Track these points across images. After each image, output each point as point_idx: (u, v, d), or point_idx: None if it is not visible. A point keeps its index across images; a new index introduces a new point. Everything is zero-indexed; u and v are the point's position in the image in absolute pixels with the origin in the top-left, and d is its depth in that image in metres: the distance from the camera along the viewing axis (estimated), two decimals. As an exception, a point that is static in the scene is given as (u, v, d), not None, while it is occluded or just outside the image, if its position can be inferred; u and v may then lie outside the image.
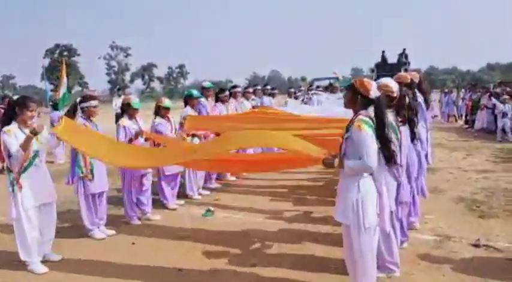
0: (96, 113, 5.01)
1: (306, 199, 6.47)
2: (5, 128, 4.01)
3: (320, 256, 4.33)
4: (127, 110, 5.49)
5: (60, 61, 11.94)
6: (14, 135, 3.98)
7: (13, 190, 4.08)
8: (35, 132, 3.97)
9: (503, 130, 12.29)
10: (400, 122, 3.66)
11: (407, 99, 3.85)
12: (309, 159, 3.57)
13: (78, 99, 5.05)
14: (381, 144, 2.99)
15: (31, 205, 4.10)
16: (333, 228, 5.02)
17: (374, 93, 3.04)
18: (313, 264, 4.15)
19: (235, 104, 8.31)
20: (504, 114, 12.07)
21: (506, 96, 12.29)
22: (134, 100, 5.58)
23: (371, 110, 3.04)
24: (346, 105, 3.25)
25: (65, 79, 10.49)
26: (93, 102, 4.96)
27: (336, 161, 3.11)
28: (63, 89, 10.60)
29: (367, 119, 3.01)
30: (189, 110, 6.62)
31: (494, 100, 12.41)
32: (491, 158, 9.55)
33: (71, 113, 4.90)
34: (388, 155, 3.01)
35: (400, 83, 4.83)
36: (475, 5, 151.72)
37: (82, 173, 4.83)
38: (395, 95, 3.61)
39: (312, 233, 5.03)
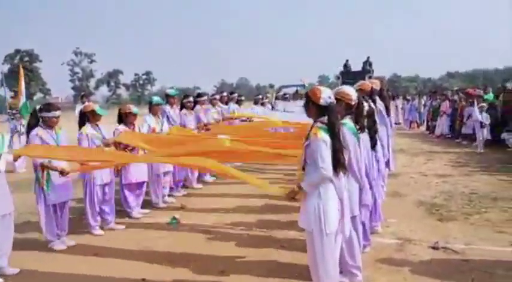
0: (56, 122, 4.81)
1: (273, 205, 6.50)
2: None
3: (286, 262, 4.36)
4: (90, 117, 5.36)
5: (18, 67, 11.44)
6: None
7: None
8: None
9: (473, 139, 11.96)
10: (358, 129, 3.75)
11: (366, 107, 3.96)
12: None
13: (38, 107, 4.88)
14: (333, 151, 3.05)
15: None
16: (299, 234, 5.07)
17: (324, 101, 3.09)
18: (279, 270, 4.17)
19: (202, 112, 8.28)
20: (482, 124, 11.29)
21: (484, 104, 11.59)
22: (98, 107, 5.47)
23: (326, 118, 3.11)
24: (306, 114, 3.31)
25: (23, 86, 10.13)
26: (55, 113, 4.77)
27: (295, 187, 3.20)
28: (23, 96, 10.24)
29: (324, 125, 3.07)
30: (150, 118, 6.51)
31: (473, 109, 11.51)
32: (450, 162, 9.93)
33: (33, 122, 4.78)
34: (335, 163, 3.06)
35: (361, 90, 4.99)
36: (437, 16, 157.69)
37: (39, 183, 4.68)
38: (353, 102, 3.70)
39: (279, 239, 5.06)
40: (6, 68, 59.99)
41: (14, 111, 11.11)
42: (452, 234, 4.99)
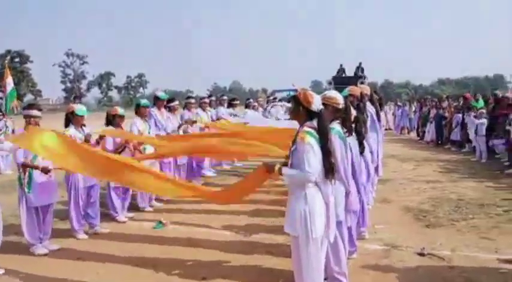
0: (37, 123, 4.73)
1: (262, 210, 6.46)
2: None
3: (270, 267, 4.32)
4: (72, 118, 5.29)
5: (4, 65, 11.27)
6: None
7: None
8: None
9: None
10: (346, 132, 3.74)
11: (353, 111, 3.95)
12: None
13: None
14: (323, 156, 3.03)
15: None
16: (287, 239, 5.02)
17: (316, 106, 3.08)
18: (263, 276, 4.14)
19: (190, 115, 8.22)
20: (478, 131, 10.90)
21: (483, 111, 11.24)
22: (77, 107, 5.39)
23: (315, 122, 3.08)
24: (291, 117, 3.28)
25: (9, 80, 9.89)
26: (33, 112, 4.72)
27: (277, 166, 3.15)
28: (9, 96, 10.04)
29: (311, 130, 3.05)
30: (137, 120, 6.44)
31: (469, 116, 11.40)
32: (438, 168, 9.97)
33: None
34: (328, 167, 3.05)
35: (351, 95, 4.99)
36: (427, 23, 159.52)
37: (21, 184, 4.59)
38: (340, 106, 3.70)
39: (265, 244, 5.02)
40: (-4, 68, 59.46)
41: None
42: (439, 241, 4.98)
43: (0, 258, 4.43)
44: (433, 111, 14.80)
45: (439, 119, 14.24)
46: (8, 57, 53.00)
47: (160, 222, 5.82)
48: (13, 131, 9.91)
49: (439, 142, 14.34)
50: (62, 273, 4.28)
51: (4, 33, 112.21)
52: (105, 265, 4.48)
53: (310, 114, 3.10)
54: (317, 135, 3.04)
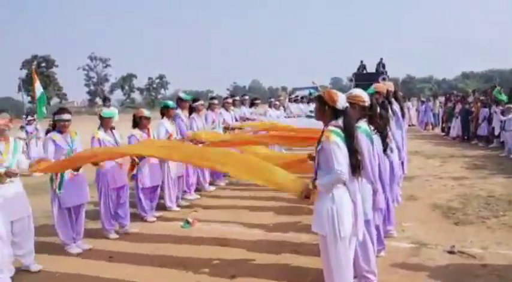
0: (67, 126, 4.87)
1: (288, 208, 6.48)
2: None
3: (298, 266, 4.35)
4: (101, 122, 5.42)
5: (31, 70, 11.49)
6: None
7: None
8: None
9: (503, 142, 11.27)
10: (374, 130, 3.73)
11: (378, 109, 3.95)
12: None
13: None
14: (349, 154, 3.03)
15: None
16: (313, 238, 5.04)
17: (341, 104, 3.09)
18: (292, 274, 4.15)
19: (214, 116, 8.30)
20: (506, 126, 10.64)
21: (510, 106, 10.84)
22: (104, 110, 5.53)
23: (341, 121, 3.09)
24: (317, 117, 3.29)
25: (38, 89, 10.13)
26: (64, 116, 4.85)
27: (309, 184, 3.19)
28: (39, 100, 10.29)
29: (337, 129, 3.05)
30: (165, 121, 6.56)
31: (495, 110, 11.24)
32: (466, 165, 9.76)
33: (52, 128, 4.99)
34: (354, 165, 3.05)
35: (378, 93, 4.97)
36: (450, 16, 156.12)
37: (53, 186, 4.75)
38: (366, 104, 3.69)
39: (292, 243, 5.04)
40: (24, 73, 61.10)
41: (30, 116, 11.26)
42: (469, 238, 4.90)
43: (35, 257, 4.59)
44: (459, 106, 14.51)
45: (465, 114, 13.95)
46: (35, 62, 54.55)
47: (187, 221, 5.91)
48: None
49: (466, 138, 14.06)
50: (94, 271, 4.41)
51: (30, 39, 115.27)
52: (135, 264, 4.59)
53: (336, 113, 3.11)
54: (342, 134, 3.04)
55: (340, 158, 2.96)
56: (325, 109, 3.15)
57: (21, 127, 10.99)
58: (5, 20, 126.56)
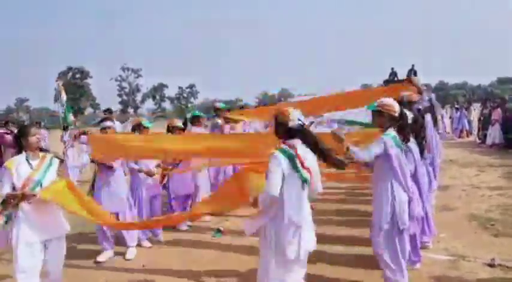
0: (109, 132, 5.16)
1: (319, 219, 6.39)
2: (7, 162, 3.59)
3: (331, 277, 4.29)
4: (138, 130, 5.59)
5: (57, 82, 11.64)
6: (15, 169, 3.52)
7: (6, 222, 3.56)
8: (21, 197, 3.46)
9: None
10: (403, 140, 3.70)
11: (410, 115, 3.95)
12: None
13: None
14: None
15: (25, 241, 3.50)
16: (346, 249, 4.97)
17: (294, 123, 3.02)
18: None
19: (245, 124, 8.34)
20: None
21: None
22: (144, 120, 5.75)
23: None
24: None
25: (63, 94, 10.41)
26: (108, 123, 5.24)
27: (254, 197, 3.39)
28: (63, 108, 10.52)
29: (286, 147, 3.03)
30: (194, 130, 6.73)
31: None
32: (504, 174, 9.40)
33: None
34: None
35: (410, 102, 4.88)
36: (484, 19, 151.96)
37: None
38: (396, 114, 3.66)
39: (325, 253, 4.97)
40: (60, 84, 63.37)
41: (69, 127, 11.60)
42: (509, 251, 4.71)
43: (69, 263, 4.67)
44: (496, 113, 14.03)
45: (503, 121, 13.46)
46: (70, 74, 56.59)
47: (218, 230, 5.94)
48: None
49: (504, 146, 13.55)
50: (128, 279, 4.51)
51: (65, 51, 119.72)
52: (168, 272, 4.65)
53: (290, 132, 3.04)
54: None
55: (270, 176, 2.96)
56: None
57: (61, 137, 11.37)
58: (43, 32, 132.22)
